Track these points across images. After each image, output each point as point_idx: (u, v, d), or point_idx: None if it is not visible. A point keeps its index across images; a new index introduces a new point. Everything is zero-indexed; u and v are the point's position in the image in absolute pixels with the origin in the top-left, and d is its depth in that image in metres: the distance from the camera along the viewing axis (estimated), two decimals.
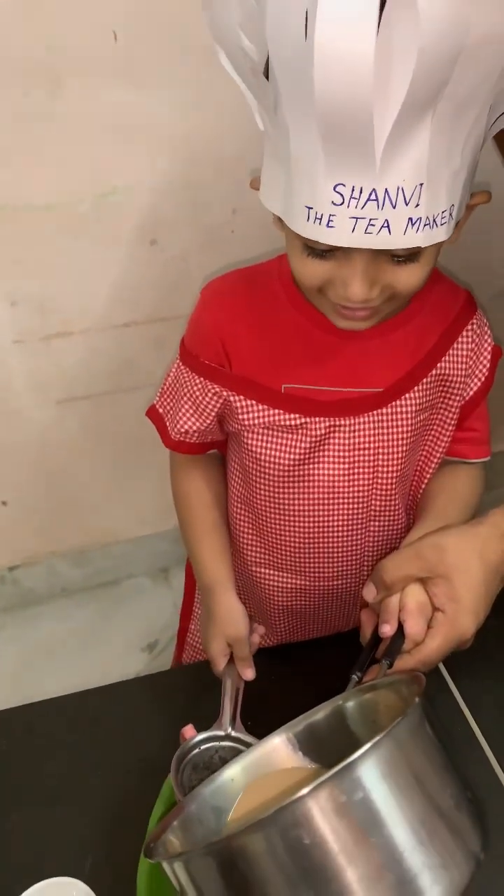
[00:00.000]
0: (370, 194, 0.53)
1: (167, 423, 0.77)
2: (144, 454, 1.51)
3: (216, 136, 1.18)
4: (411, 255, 0.58)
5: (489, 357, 0.74)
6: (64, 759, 0.77)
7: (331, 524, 0.76)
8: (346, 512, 0.76)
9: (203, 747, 0.67)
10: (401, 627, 0.65)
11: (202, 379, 0.73)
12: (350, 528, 0.76)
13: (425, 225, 0.54)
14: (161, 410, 0.78)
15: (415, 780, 0.50)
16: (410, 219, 0.54)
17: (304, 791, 0.46)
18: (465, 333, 0.73)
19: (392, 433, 0.73)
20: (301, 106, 0.51)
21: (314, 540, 0.77)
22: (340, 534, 0.77)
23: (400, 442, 0.73)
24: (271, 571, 0.81)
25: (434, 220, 0.55)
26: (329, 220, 0.54)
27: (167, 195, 1.22)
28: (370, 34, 0.45)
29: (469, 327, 0.73)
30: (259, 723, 0.69)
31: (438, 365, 0.72)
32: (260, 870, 0.48)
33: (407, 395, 0.72)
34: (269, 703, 0.71)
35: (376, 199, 0.53)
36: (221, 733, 0.68)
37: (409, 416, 0.72)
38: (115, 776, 0.75)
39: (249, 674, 0.71)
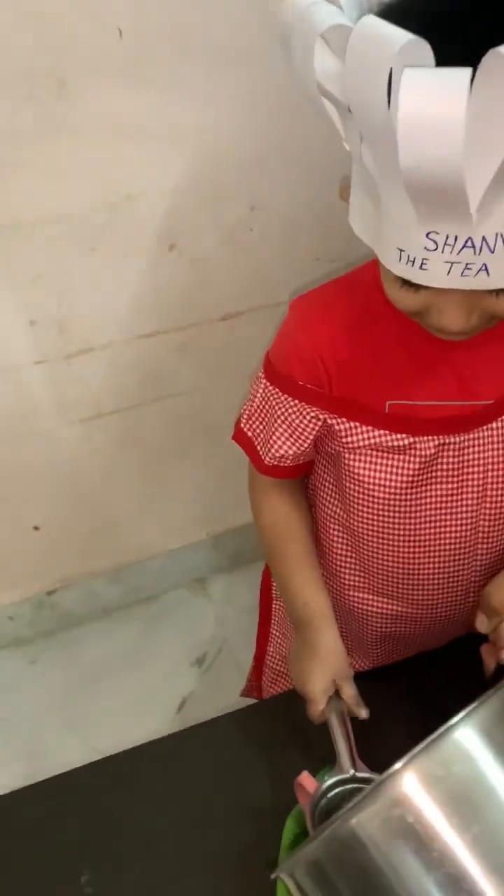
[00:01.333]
0: (466, 242, 0.49)
1: (258, 448, 0.73)
2: (173, 465, 1.47)
3: (229, 133, 1.13)
4: None
5: None
6: (168, 808, 0.73)
7: (437, 549, 0.72)
8: (453, 536, 0.72)
9: (331, 794, 0.64)
10: None
11: (298, 402, 0.69)
12: (457, 552, 0.73)
13: None
14: (250, 434, 0.74)
15: None
16: None
17: (397, 766, 0.47)
18: None
19: (501, 448, 0.69)
20: (386, 162, 0.47)
21: (418, 566, 0.73)
22: (446, 559, 0.73)
23: None
24: (370, 596, 0.77)
25: None
26: (422, 264, 0.51)
27: (182, 197, 1.17)
28: (461, 101, 0.41)
29: None
30: (372, 755, 0.66)
31: None
32: (371, 855, 0.47)
33: None
34: (377, 732, 0.68)
35: (473, 246, 0.49)
36: (346, 776, 0.64)
37: None
38: (229, 824, 0.71)
39: (364, 713, 0.68)
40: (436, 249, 0.50)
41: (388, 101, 0.43)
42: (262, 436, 0.72)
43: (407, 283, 0.55)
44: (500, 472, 0.69)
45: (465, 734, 0.49)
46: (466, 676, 0.80)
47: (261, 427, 0.72)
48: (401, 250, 0.51)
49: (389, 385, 0.67)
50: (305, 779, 0.65)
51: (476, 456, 0.68)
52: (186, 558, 1.58)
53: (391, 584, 0.75)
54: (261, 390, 0.72)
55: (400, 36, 0.41)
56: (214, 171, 1.16)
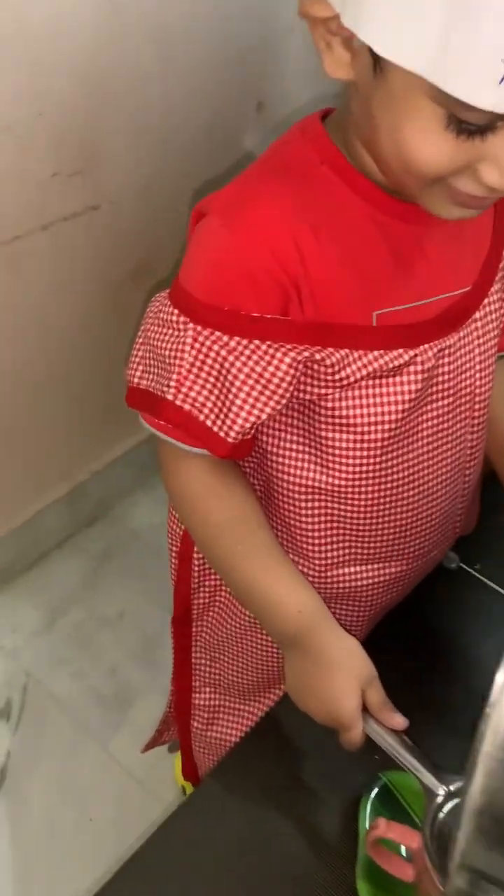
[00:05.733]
0: None
1: (211, 426, 0.51)
2: None
3: None
4: None
5: None
6: None
7: (433, 482, 0.59)
8: (448, 460, 0.59)
9: (437, 827, 0.49)
10: None
11: (261, 343, 0.49)
12: (451, 479, 0.60)
13: None
14: (190, 409, 0.51)
15: None
16: None
17: None
18: None
19: (485, 341, 0.57)
20: None
21: (416, 508, 0.60)
22: (442, 491, 0.60)
23: (492, 350, 0.58)
24: (359, 568, 0.62)
25: None
26: None
27: None
28: None
29: None
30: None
31: None
32: None
33: (491, 290, 0.56)
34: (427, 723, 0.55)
35: None
36: (440, 796, 0.50)
37: (496, 312, 0.57)
38: None
39: (401, 721, 0.53)
40: None
41: None
42: (212, 406, 0.51)
43: (461, 128, 0.40)
44: (486, 370, 0.58)
45: None
46: (448, 613, 0.71)
47: (208, 394, 0.51)
48: None
49: (372, 290, 0.51)
50: (389, 830, 0.49)
51: (469, 356, 0.56)
52: None
53: (385, 543, 0.60)
54: (190, 342, 0.50)
55: None
56: None
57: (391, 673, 0.64)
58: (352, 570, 0.62)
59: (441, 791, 0.50)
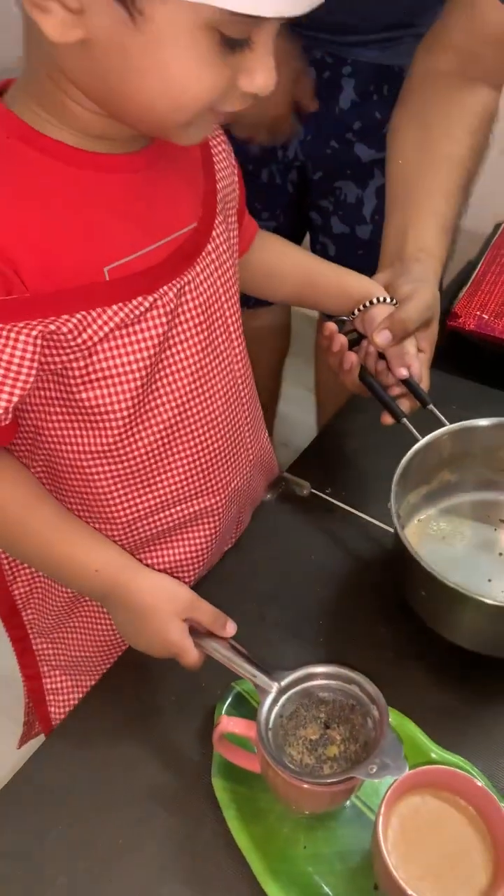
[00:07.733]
0: None
1: None
2: None
3: None
4: None
5: (231, 152, 0.63)
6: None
7: (209, 416, 0.62)
8: (219, 394, 0.62)
9: (271, 724, 0.52)
10: None
11: None
12: (228, 410, 0.64)
13: None
14: None
15: None
16: None
17: None
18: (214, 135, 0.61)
19: (224, 272, 0.60)
20: None
21: (198, 444, 0.63)
22: (222, 423, 0.64)
23: (231, 280, 0.61)
24: (165, 513, 0.64)
25: None
26: None
27: None
28: None
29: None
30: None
31: (217, 177, 0.60)
32: None
33: (216, 221, 0.59)
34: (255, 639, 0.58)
35: None
36: (273, 693, 0.53)
37: (227, 243, 0.60)
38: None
39: (231, 627, 0.58)
40: None
41: None
42: None
43: (229, 47, 0.44)
44: (231, 301, 0.61)
45: None
46: (303, 536, 0.74)
47: None
48: None
49: (96, 248, 0.52)
50: (231, 724, 0.53)
51: (213, 289, 0.59)
52: None
53: (180, 485, 0.63)
54: None
55: None
56: None
57: (246, 597, 0.67)
58: (159, 516, 0.64)
59: (273, 687, 0.54)
